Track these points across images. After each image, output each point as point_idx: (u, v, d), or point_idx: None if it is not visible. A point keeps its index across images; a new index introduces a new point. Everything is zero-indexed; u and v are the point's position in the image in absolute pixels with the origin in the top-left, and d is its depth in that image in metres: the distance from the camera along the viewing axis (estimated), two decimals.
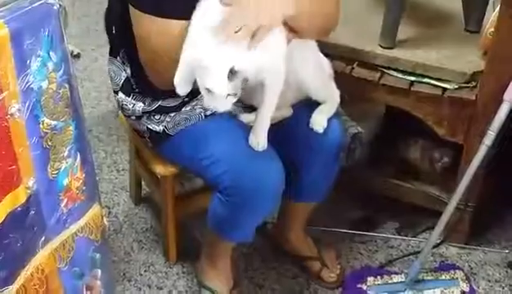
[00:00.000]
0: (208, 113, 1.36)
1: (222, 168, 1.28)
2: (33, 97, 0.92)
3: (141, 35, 1.25)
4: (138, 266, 1.69)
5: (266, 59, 1.16)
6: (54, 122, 0.97)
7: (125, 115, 1.46)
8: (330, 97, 1.40)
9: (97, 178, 1.90)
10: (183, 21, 1.19)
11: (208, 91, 1.09)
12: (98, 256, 1.15)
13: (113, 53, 1.43)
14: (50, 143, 0.98)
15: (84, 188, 1.08)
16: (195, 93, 1.29)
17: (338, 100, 1.40)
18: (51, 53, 0.94)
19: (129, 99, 1.41)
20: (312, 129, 1.37)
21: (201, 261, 1.57)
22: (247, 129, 1.29)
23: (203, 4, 1.16)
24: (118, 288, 1.60)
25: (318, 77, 1.38)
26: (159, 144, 1.42)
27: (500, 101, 1.42)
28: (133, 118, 1.43)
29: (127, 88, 1.41)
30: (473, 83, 1.54)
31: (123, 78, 1.41)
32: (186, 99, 1.36)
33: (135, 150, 1.73)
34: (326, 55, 1.43)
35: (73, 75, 1.02)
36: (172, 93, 1.23)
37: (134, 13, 1.23)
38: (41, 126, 0.95)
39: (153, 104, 1.38)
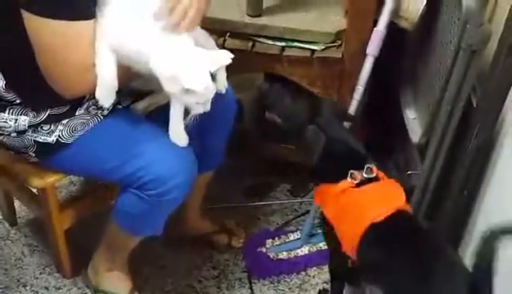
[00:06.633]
0: (105, 112, 1.30)
1: (139, 164, 1.24)
2: None
3: (48, 45, 1.12)
4: (32, 270, 1.62)
5: None
6: None
7: (1, 134, 1.30)
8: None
9: None
10: (92, 21, 1.13)
11: (189, 90, 1.10)
12: None
13: None
14: None
15: None
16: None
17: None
18: None
19: (7, 115, 1.26)
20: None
21: (94, 265, 1.52)
22: (147, 120, 1.29)
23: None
24: None
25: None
26: (47, 156, 1.31)
27: (364, 56, 1.51)
28: (14, 134, 1.29)
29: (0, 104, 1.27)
30: (339, 42, 1.61)
31: None
32: (75, 102, 1.27)
33: None
34: None
35: None
36: (62, 99, 1.17)
37: (33, 22, 1.10)
38: None
39: (40, 115, 1.26)
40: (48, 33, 1.11)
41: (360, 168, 1.22)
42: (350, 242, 1.20)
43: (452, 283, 1.07)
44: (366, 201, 1.21)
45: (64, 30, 1.11)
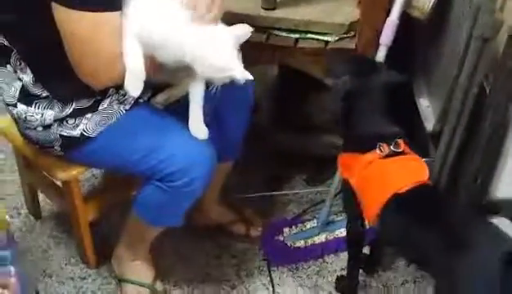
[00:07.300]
0: (127, 106, 1.34)
1: (161, 156, 1.28)
2: None
3: (76, 36, 1.15)
4: (58, 261, 1.67)
5: None
6: None
7: (28, 128, 1.33)
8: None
9: None
10: (119, 11, 1.16)
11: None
12: (8, 253, 1.14)
13: None
14: None
15: None
16: (106, 89, 1.29)
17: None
18: None
19: (33, 108, 1.29)
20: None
21: (118, 255, 1.56)
22: (167, 112, 1.32)
23: None
24: (40, 286, 1.58)
25: None
26: (72, 149, 1.34)
27: (377, 46, 1.53)
28: (40, 128, 1.32)
29: (26, 98, 1.29)
30: (352, 33, 1.63)
31: (19, 88, 1.29)
32: (99, 97, 1.31)
33: (23, 165, 1.63)
34: None
35: None
36: (87, 92, 1.21)
37: (62, 13, 1.12)
38: None
39: (66, 109, 1.29)
40: (77, 25, 1.14)
41: (388, 142, 1.29)
42: (373, 210, 1.26)
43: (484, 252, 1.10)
44: (390, 171, 1.28)
45: (92, 21, 1.13)
